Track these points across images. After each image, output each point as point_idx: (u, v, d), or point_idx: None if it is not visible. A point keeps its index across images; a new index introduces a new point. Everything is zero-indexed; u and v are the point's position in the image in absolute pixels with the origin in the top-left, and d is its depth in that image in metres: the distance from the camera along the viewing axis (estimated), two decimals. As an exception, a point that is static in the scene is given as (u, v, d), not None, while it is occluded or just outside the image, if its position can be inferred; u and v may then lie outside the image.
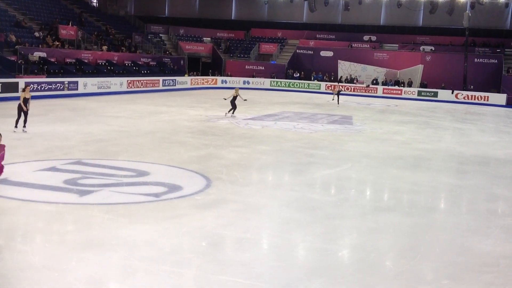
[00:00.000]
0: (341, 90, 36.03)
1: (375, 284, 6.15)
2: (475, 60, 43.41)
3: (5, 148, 8.06)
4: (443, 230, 8.67)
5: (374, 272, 6.54)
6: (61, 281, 5.75)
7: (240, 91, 24.28)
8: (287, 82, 45.62)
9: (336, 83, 41.45)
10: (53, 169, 11.20)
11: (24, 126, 15.88)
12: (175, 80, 39.83)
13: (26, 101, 15.94)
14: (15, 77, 27.21)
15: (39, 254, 6.54)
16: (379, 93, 43.65)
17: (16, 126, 15.78)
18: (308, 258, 7.15)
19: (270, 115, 25.07)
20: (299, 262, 7.04)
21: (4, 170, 8.07)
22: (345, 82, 45.31)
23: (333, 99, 33.92)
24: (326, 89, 42.77)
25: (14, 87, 26.11)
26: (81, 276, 5.91)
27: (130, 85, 34.49)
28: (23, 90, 16.20)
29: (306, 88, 44.70)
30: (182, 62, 45.22)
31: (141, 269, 6.18)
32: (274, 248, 7.38)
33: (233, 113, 23.25)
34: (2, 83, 25.56)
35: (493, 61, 43.45)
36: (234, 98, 23.22)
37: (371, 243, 7.71)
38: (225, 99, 23.64)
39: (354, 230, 8.31)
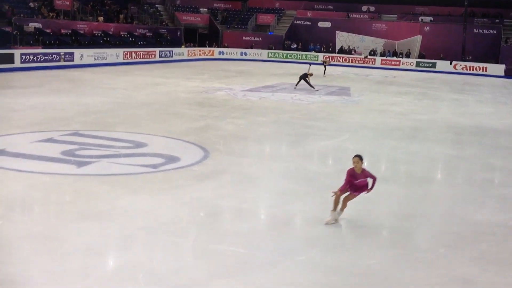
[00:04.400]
0: (328, 62, 36.36)
1: (371, 253, 6.22)
2: (474, 30, 43.11)
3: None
4: (439, 200, 8.73)
5: (370, 242, 6.61)
6: (60, 250, 5.81)
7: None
8: (285, 53, 45.33)
9: (325, 55, 41.64)
10: (51, 140, 11.19)
11: None
12: (172, 51, 39.54)
13: None
14: (10, 48, 26.99)
15: (38, 224, 6.58)
16: (377, 64, 43.43)
17: None
18: (305, 228, 7.21)
19: (268, 86, 24.98)
20: (296, 232, 7.10)
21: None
22: (343, 53, 45.04)
23: (324, 73, 33.65)
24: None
25: (9, 59, 25.92)
26: (80, 245, 5.97)
27: (126, 56, 34.24)
28: None
29: (303, 59, 44.43)
30: (179, 33, 44.83)
31: (140, 239, 6.24)
32: (272, 218, 7.44)
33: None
34: (-3, 54, 25.37)
35: (492, 31, 43.17)
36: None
37: (367, 213, 7.77)
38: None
39: (351, 201, 8.34)
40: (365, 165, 11.19)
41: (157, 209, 7.37)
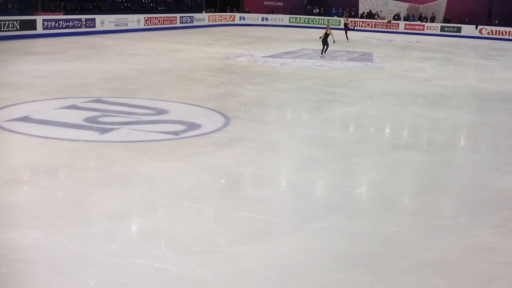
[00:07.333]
0: (349, 25, 35.65)
1: (392, 220, 6.21)
2: (501, -7, 41.97)
3: None
4: (462, 167, 8.65)
5: (391, 209, 6.60)
6: (85, 215, 5.91)
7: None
8: (306, 18, 44.72)
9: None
10: (74, 107, 11.29)
11: None
12: (193, 17, 39.28)
13: None
14: (32, 14, 27.08)
15: (63, 189, 6.69)
16: (401, 29, 42.66)
17: None
18: (326, 195, 7.22)
19: (289, 52, 24.76)
20: (317, 198, 7.11)
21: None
22: (366, 18, 44.28)
23: (347, 40, 33.10)
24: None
25: (32, 25, 26.03)
26: (105, 210, 6.06)
27: (147, 22, 34.13)
28: None
29: (325, 24, 43.78)
30: (199, -2, 44.47)
31: (162, 205, 6.31)
32: (293, 185, 7.46)
33: (324, 52, 23.07)
34: (20, 20, 25.47)
35: (520, -6, 41.97)
36: (326, 36, 22.78)
37: (389, 180, 7.74)
38: (320, 37, 23.15)
39: (373, 168, 8.33)
40: (387, 131, 11.16)
41: (179, 175, 7.43)
